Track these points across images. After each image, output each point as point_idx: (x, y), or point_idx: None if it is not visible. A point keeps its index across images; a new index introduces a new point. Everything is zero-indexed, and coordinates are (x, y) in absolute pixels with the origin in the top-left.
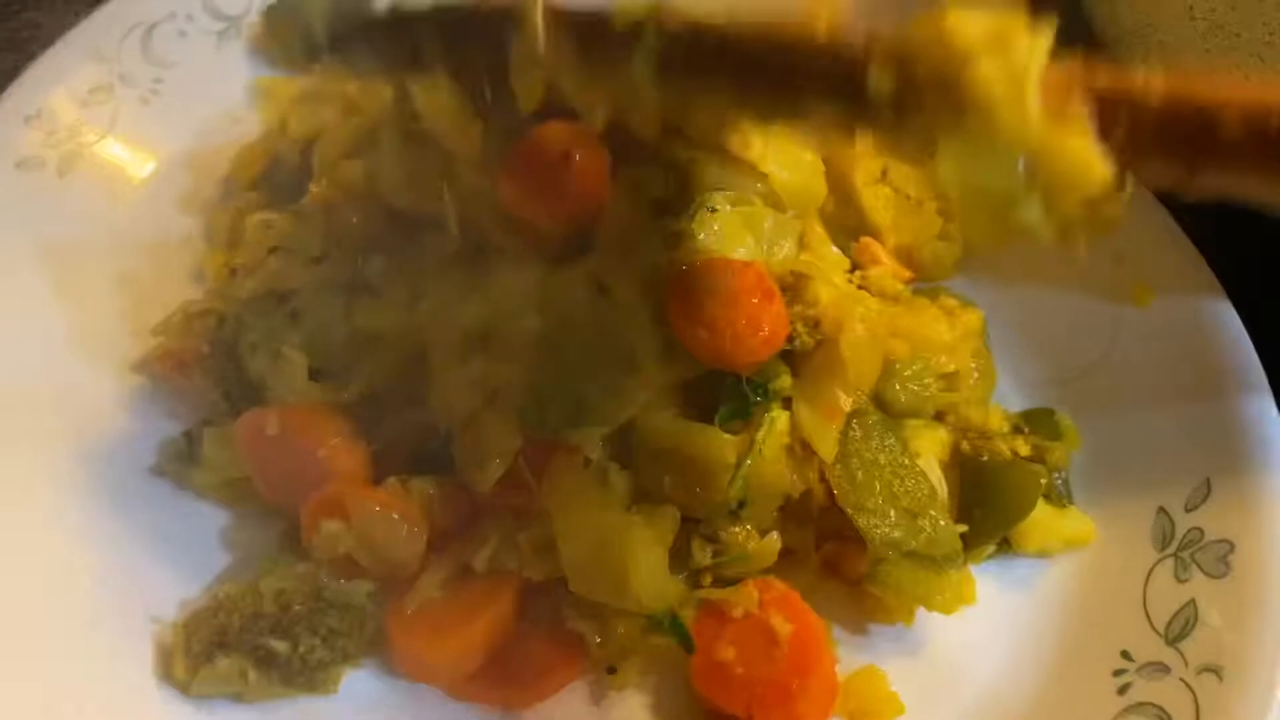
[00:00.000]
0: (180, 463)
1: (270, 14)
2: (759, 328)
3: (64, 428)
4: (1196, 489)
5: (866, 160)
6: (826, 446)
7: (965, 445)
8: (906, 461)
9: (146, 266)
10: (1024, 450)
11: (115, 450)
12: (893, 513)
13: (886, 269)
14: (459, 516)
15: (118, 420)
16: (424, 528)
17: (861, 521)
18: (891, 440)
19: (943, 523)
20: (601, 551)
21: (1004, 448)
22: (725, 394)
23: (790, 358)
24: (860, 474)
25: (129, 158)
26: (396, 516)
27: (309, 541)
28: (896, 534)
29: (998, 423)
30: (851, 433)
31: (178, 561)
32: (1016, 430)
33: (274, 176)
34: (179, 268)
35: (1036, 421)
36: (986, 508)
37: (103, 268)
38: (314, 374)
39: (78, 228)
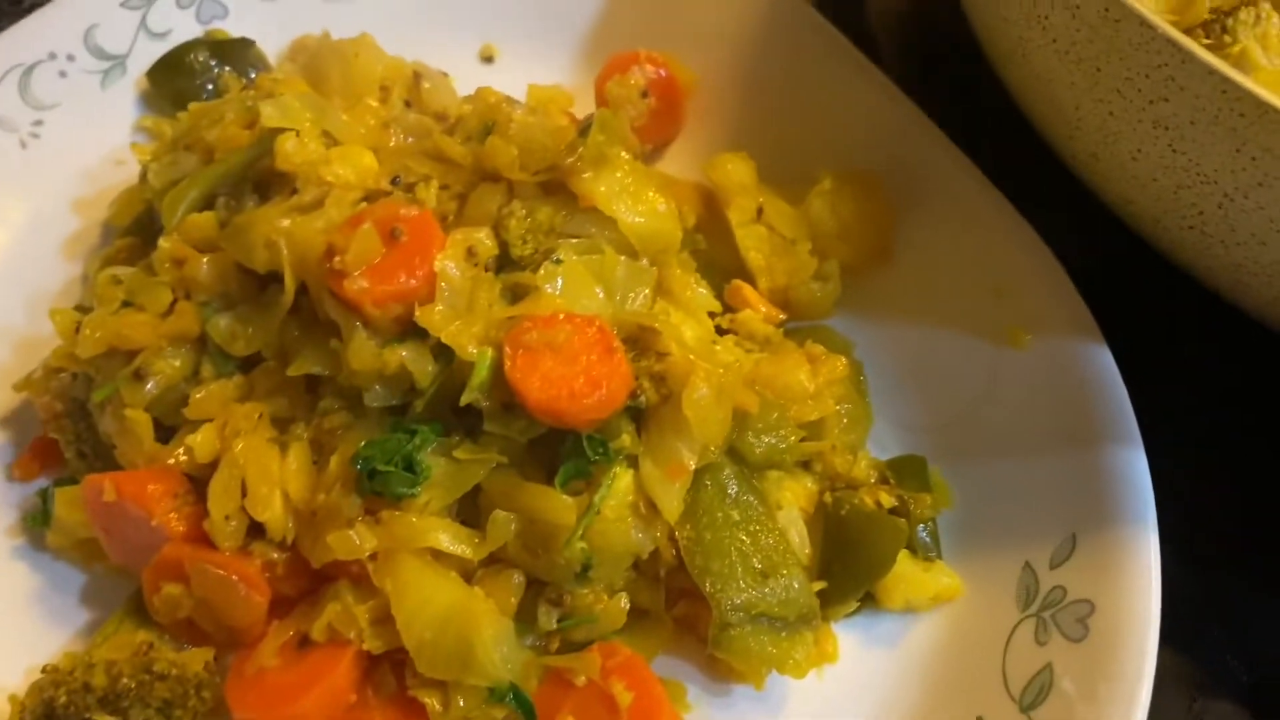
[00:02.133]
0: (36, 522)
1: (154, 72)
2: (597, 385)
3: None
4: (1062, 544)
5: (741, 199)
6: (671, 506)
7: (828, 497)
8: (762, 517)
9: (22, 317)
10: (888, 502)
11: None
12: (741, 573)
13: (757, 312)
14: (300, 583)
15: None
16: (264, 592)
17: (706, 585)
18: (747, 496)
19: (796, 583)
20: (444, 629)
21: (868, 499)
22: (565, 453)
23: (636, 414)
24: (709, 534)
25: (7, 203)
26: (235, 579)
27: (150, 605)
28: (742, 597)
29: (864, 472)
30: (703, 489)
31: (32, 624)
32: (883, 480)
33: (155, 222)
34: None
35: (905, 471)
36: (848, 562)
37: None
38: (164, 433)
39: None
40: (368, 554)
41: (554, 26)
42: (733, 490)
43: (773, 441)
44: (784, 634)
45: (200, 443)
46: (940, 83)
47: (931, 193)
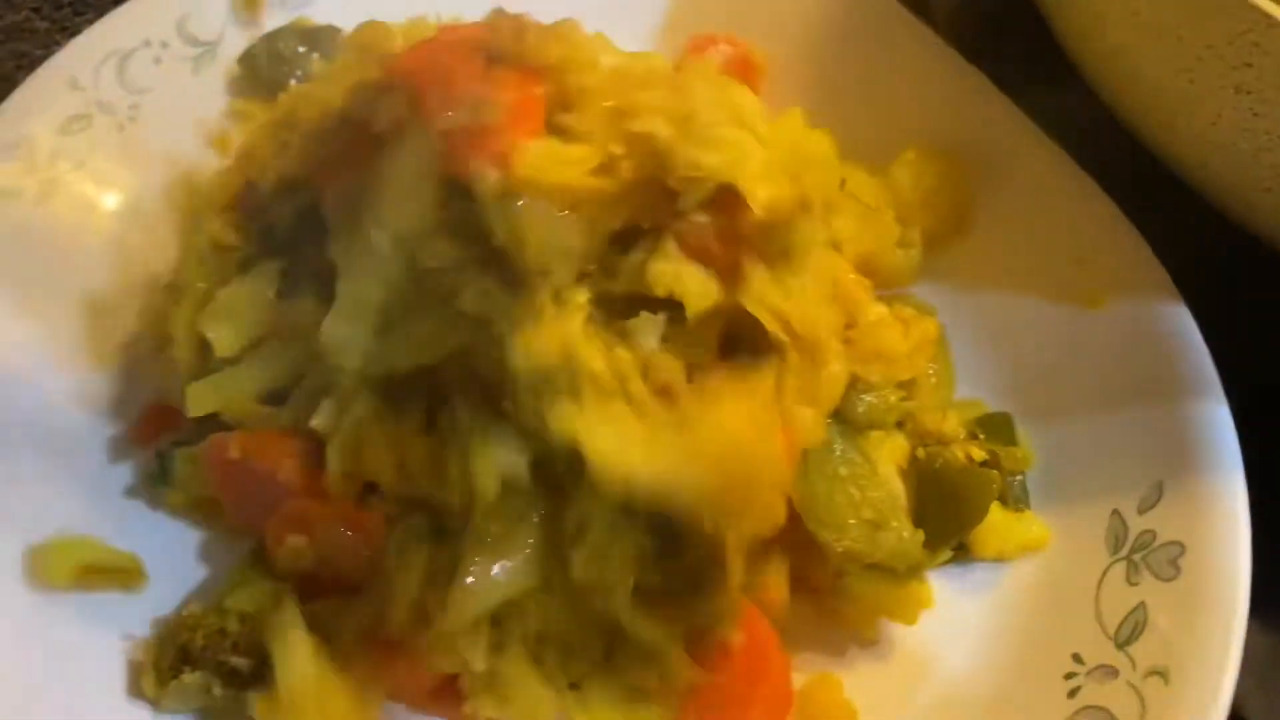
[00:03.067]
0: (153, 483)
1: (245, 58)
2: None
3: (37, 452)
4: (1149, 491)
5: None
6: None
7: (921, 452)
8: (868, 472)
9: (117, 296)
10: (979, 456)
11: (91, 471)
12: (854, 525)
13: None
14: None
15: (93, 443)
16: (381, 544)
17: (823, 535)
18: (851, 453)
19: (906, 534)
20: None
21: (959, 454)
22: None
23: None
24: (821, 487)
25: (108, 183)
26: (354, 533)
27: (273, 557)
28: (858, 547)
29: (953, 429)
30: (812, 448)
31: (152, 580)
32: (972, 436)
33: (248, 201)
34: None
35: (992, 427)
36: (942, 513)
37: (73, 298)
38: (271, 397)
39: (51, 257)
40: None
41: (630, 9)
42: (839, 448)
43: (874, 401)
44: (895, 582)
45: (322, 411)
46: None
47: (1009, 167)
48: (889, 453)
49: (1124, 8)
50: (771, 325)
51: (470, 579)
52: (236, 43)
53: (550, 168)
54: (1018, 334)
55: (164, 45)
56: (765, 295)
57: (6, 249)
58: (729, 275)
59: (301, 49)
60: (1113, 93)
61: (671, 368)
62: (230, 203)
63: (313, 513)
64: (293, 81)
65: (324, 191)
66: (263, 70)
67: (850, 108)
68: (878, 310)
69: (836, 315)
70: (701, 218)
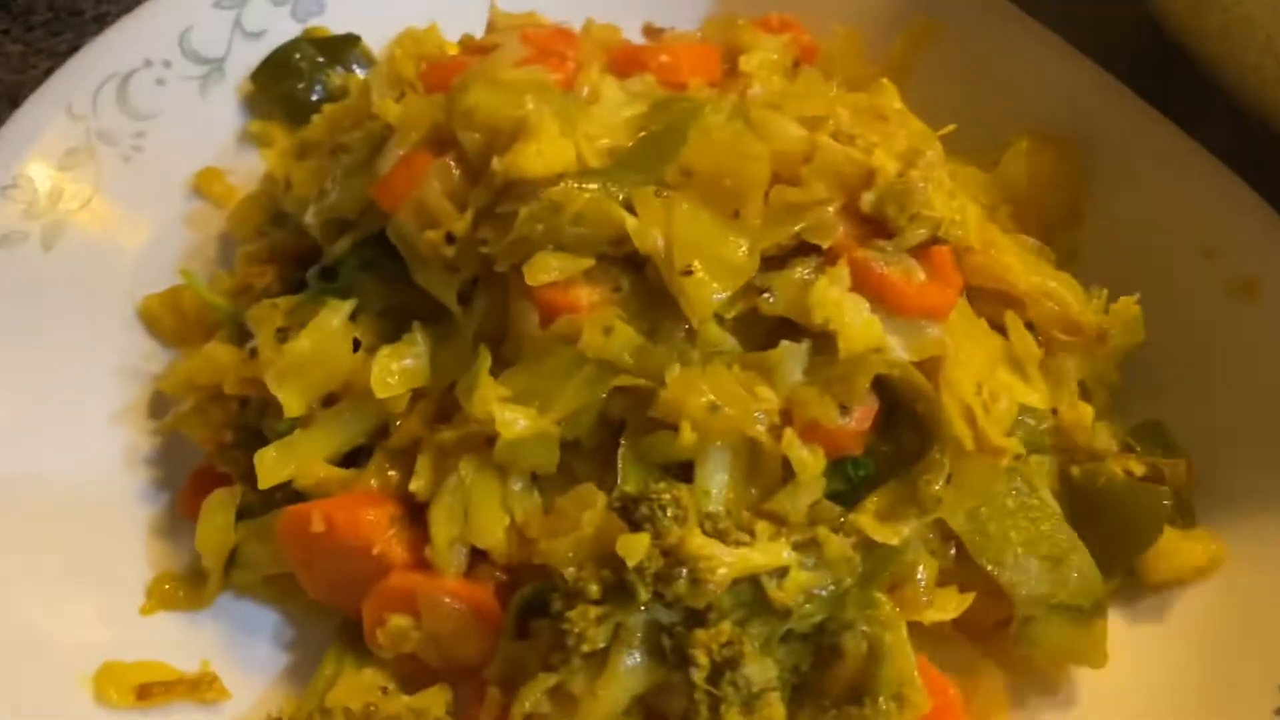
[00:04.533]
0: None
1: (258, 75)
2: None
3: (81, 530)
4: None
5: None
6: None
7: (1075, 470)
8: (1037, 503)
9: (150, 342)
10: (1139, 470)
11: (137, 554)
12: (1035, 563)
13: None
14: None
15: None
16: (498, 621)
17: (1004, 578)
18: (1017, 481)
19: (1087, 570)
20: None
21: (1117, 469)
22: None
23: None
24: (992, 526)
25: (119, 223)
26: (467, 609)
27: (373, 640)
28: (1042, 588)
29: (1105, 442)
30: None
31: (227, 671)
32: (1127, 448)
33: (278, 226)
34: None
35: (1146, 436)
36: (1107, 538)
37: (103, 348)
38: (346, 459)
39: (70, 306)
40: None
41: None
42: (1003, 478)
43: (1032, 423)
44: (1081, 622)
45: (419, 472)
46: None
47: (1122, 153)
48: (1039, 475)
49: None
50: (958, 424)
51: (622, 663)
52: (246, 57)
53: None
54: (1149, 331)
55: (166, 64)
56: (957, 381)
57: (18, 305)
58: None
59: (320, 60)
60: (1233, 71)
61: (819, 404)
62: (257, 238)
63: (417, 588)
64: (313, 97)
65: (392, 220)
66: (278, 87)
67: (954, 97)
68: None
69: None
70: (908, 260)
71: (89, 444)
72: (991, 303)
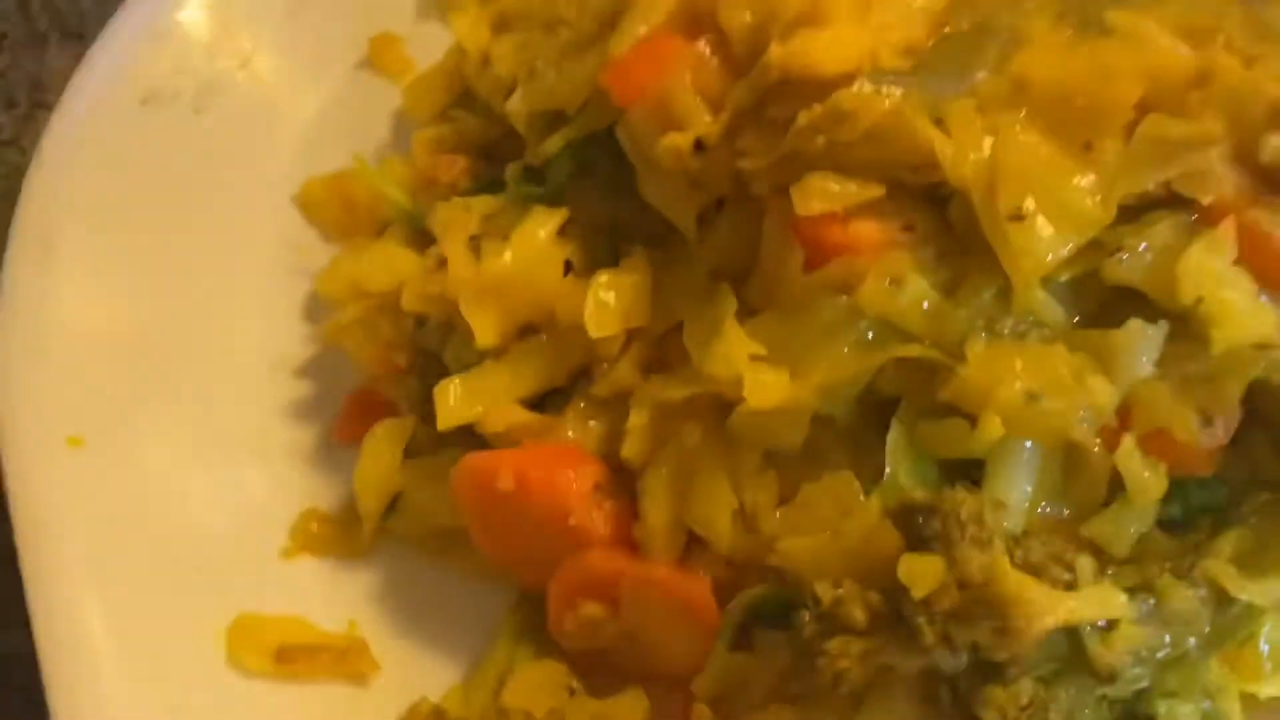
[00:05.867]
0: None
1: None
2: None
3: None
4: None
5: None
6: None
7: None
8: None
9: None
10: None
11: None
12: None
13: None
14: None
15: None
16: (713, 622)
17: None
18: None
19: None
20: None
21: None
22: None
23: None
24: None
25: (281, 88)
26: (678, 605)
27: (558, 627)
28: None
29: None
30: None
31: (375, 634)
32: None
33: (465, 110)
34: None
35: None
36: None
37: (256, 235)
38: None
39: (221, 181)
40: None
41: None
42: None
43: None
44: None
45: (633, 433)
46: None
47: None
48: None
49: None
50: None
51: (883, 712)
52: None
53: None
54: None
55: None
56: None
57: (162, 175)
58: None
59: None
60: None
61: (1174, 409)
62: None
63: (620, 572)
64: None
65: (624, 117)
66: None
67: None
68: None
69: None
70: None
71: (233, 349)
72: None
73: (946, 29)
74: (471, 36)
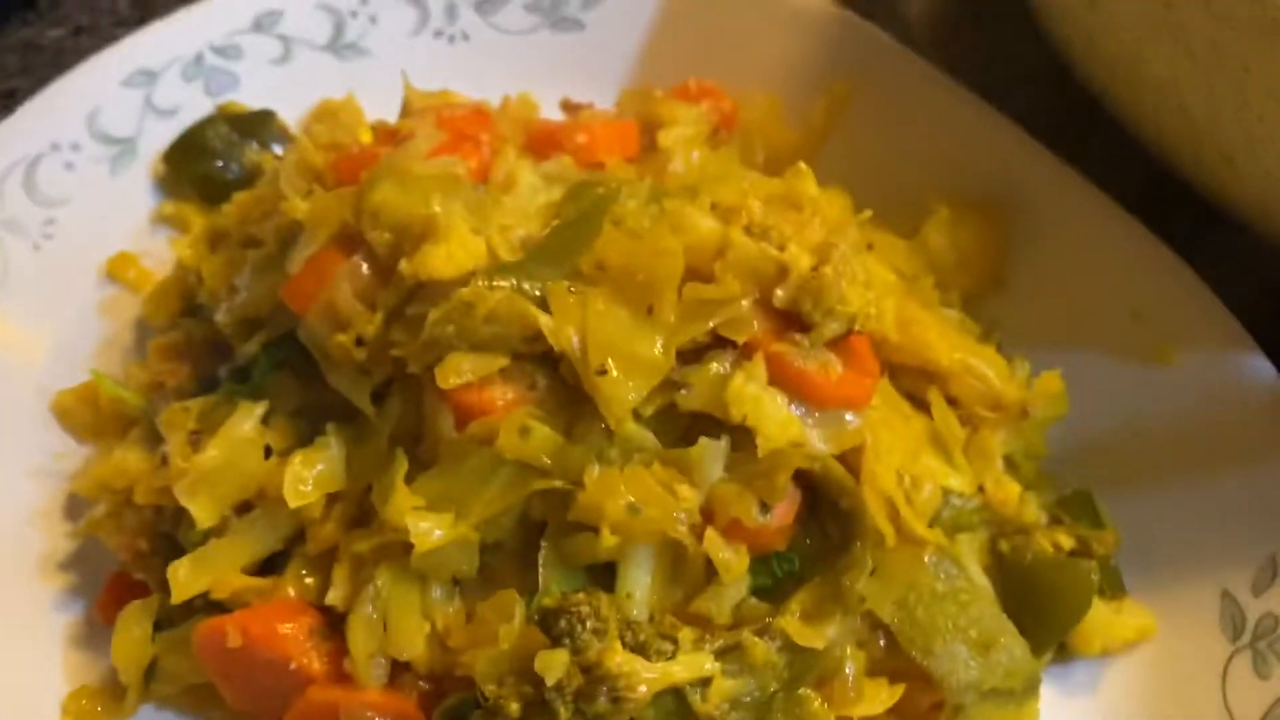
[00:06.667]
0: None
1: (172, 155)
2: None
3: None
4: (1262, 569)
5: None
6: None
7: (1004, 545)
8: (965, 584)
9: (60, 440)
10: (1067, 544)
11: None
12: (964, 650)
13: None
14: None
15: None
16: None
17: (934, 667)
18: (945, 563)
19: (1018, 651)
20: None
21: (1046, 544)
22: None
23: None
24: (920, 611)
25: (29, 315)
26: None
27: None
28: (971, 675)
29: (1033, 515)
30: None
31: None
32: (1055, 521)
33: (192, 316)
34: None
35: (1074, 507)
36: (1038, 613)
37: (15, 446)
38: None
39: None
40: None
41: (591, 67)
42: (931, 561)
43: (960, 504)
44: (1013, 705)
45: (337, 582)
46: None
47: (1049, 217)
48: (969, 552)
49: (1172, 43)
50: (880, 519)
51: None
52: (158, 136)
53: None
54: (1076, 397)
55: (75, 147)
56: (878, 474)
57: None
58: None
59: (235, 137)
60: (1153, 128)
61: (740, 502)
62: (171, 328)
63: (338, 702)
64: (229, 176)
65: (303, 322)
66: (192, 166)
67: (875, 160)
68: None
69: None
70: (825, 353)
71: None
72: (914, 379)
73: (556, 221)
74: (191, 255)
